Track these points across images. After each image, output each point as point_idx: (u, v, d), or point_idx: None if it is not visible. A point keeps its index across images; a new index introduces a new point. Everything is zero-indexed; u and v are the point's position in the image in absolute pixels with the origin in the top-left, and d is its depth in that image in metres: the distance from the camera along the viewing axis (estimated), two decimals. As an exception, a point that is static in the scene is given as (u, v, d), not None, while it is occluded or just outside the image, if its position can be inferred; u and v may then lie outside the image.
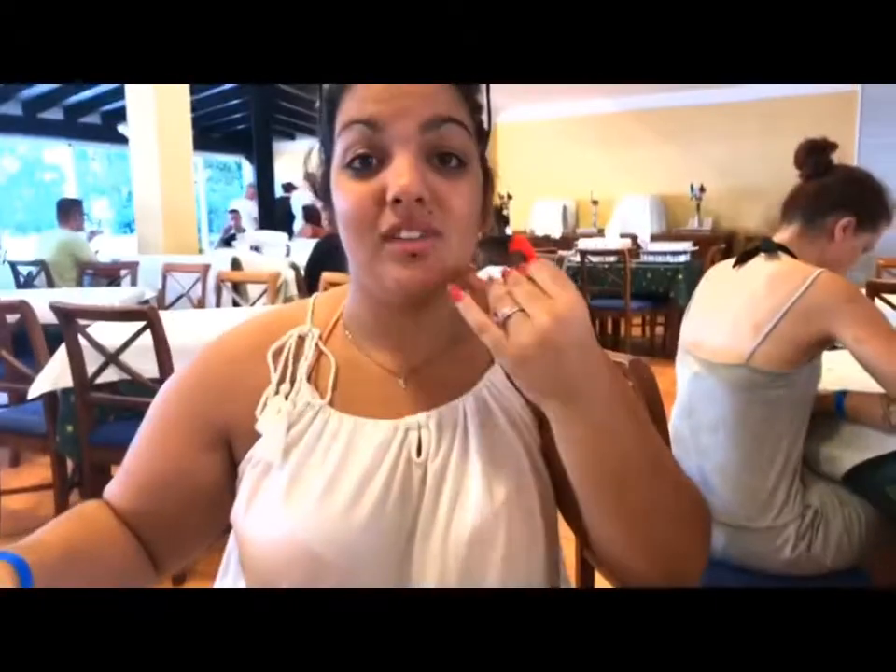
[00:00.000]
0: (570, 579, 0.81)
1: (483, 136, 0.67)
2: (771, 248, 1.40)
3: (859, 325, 1.24)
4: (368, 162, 0.61)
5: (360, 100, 0.61)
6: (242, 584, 0.73)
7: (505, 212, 4.65)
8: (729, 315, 1.39)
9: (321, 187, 0.68)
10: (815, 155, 1.43)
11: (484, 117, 0.67)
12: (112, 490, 0.72)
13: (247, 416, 0.69)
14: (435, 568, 0.65)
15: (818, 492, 1.39)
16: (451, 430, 0.68)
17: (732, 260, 1.50)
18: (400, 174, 0.59)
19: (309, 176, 0.70)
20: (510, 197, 7.56)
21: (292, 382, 0.70)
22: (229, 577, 0.76)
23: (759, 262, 1.41)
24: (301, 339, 0.72)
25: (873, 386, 1.31)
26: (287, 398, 0.69)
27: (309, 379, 0.70)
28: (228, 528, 0.72)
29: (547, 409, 0.58)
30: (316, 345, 0.72)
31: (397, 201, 0.59)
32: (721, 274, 1.51)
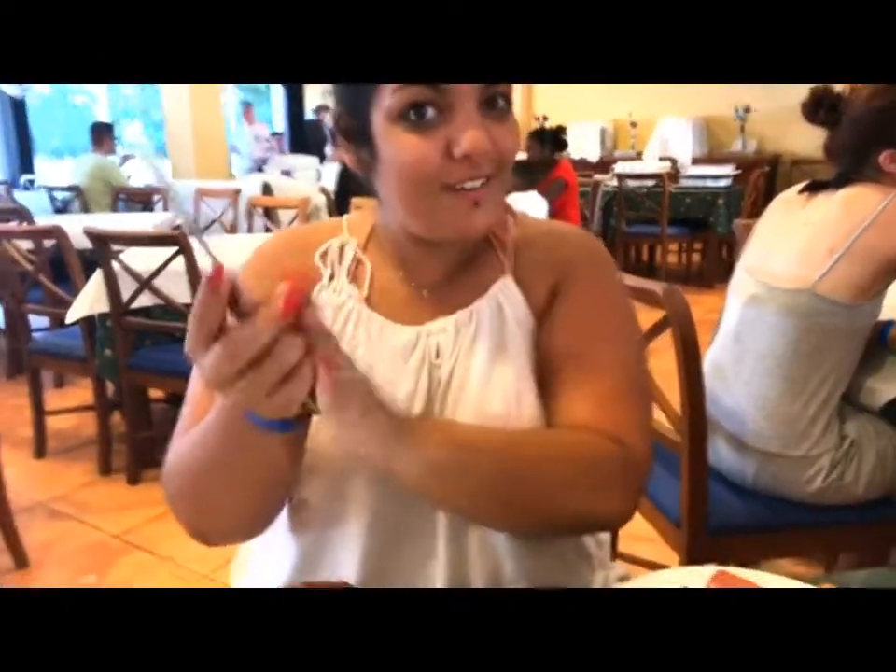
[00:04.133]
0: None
1: None
2: (844, 183, 1.35)
3: None
4: (424, 114, 0.62)
5: None
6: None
7: (563, 136, 4.47)
8: (799, 240, 1.36)
9: (354, 130, 0.68)
10: (824, 108, 1.37)
11: None
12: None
13: None
14: None
15: (854, 423, 1.37)
16: (466, 331, 0.73)
17: (799, 187, 1.45)
18: (468, 129, 0.61)
19: (336, 117, 0.71)
20: (545, 118, 7.33)
21: (334, 280, 0.76)
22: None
23: (831, 191, 1.37)
24: (341, 249, 0.78)
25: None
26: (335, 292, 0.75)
27: (349, 279, 0.76)
28: None
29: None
30: (355, 253, 0.77)
31: (467, 156, 0.62)
32: (791, 201, 1.46)
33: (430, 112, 0.62)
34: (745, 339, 1.42)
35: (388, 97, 0.62)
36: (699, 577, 0.61)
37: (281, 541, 0.75)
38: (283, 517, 0.74)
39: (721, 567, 0.61)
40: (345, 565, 0.70)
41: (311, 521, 0.72)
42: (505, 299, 0.74)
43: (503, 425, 0.68)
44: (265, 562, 0.78)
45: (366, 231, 0.79)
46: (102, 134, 4.86)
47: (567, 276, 0.74)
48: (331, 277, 0.76)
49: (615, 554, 1.64)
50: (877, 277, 1.28)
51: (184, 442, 0.65)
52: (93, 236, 2.13)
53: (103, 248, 2.16)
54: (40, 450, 2.72)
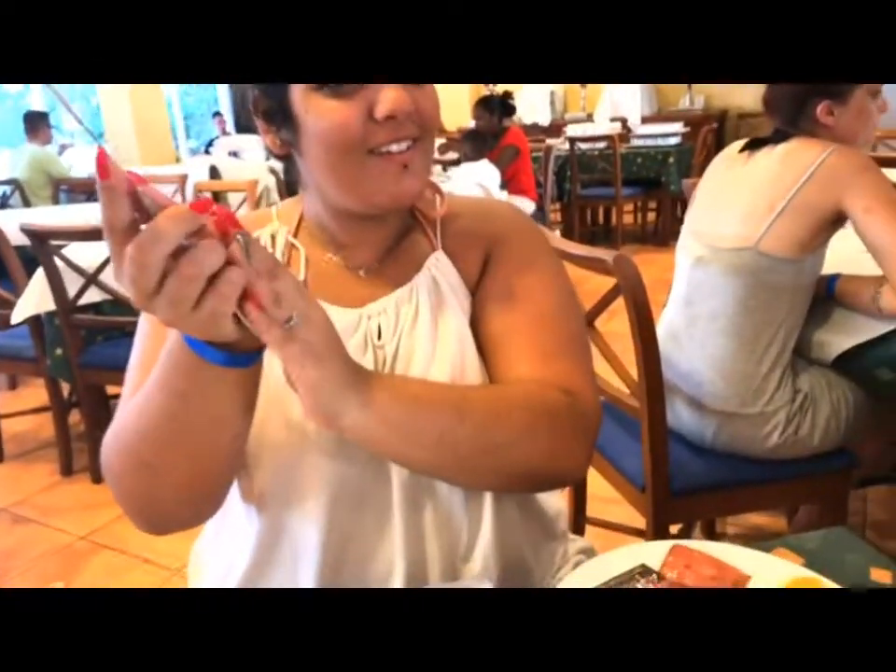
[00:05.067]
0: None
1: None
2: (782, 138, 1.36)
3: (871, 194, 1.23)
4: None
5: None
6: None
7: (511, 101, 4.47)
8: (741, 199, 1.37)
9: (273, 110, 0.68)
10: None
11: None
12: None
13: None
14: None
15: (807, 376, 1.40)
16: (406, 311, 0.73)
17: (738, 146, 1.46)
18: (389, 90, 0.62)
19: (253, 101, 0.70)
20: (494, 83, 7.26)
21: None
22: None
23: (770, 148, 1.38)
24: (273, 237, 0.76)
25: (865, 270, 1.31)
26: None
27: None
28: None
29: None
30: (287, 240, 0.76)
31: (390, 118, 0.62)
32: (731, 159, 1.47)
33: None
34: (695, 301, 1.43)
35: None
36: (656, 552, 0.62)
37: (238, 528, 0.74)
38: (237, 505, 0.73)
39: (678, 542, 0.62)
40: (306, 545, 0.70)
41: (268, 505, 0.71)
42: (439, 272, 0.75)
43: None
44: (224, 550, 0.77)
45: (295, 218, 0.78)
46: (37, 124, 4.69)
47: (497, 244, 0.76)
48: None
49: (584, 518, 1.66)
50: (817, 231, 1.30)
51: (127, 408, 0.62)
52: (31, 233, 2.05)
53: (42, 245, 2.08)
54: (-3, 454, 2.66)
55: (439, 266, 0.75)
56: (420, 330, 0.72)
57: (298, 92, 0.64)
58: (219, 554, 0.78)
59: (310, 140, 0.65)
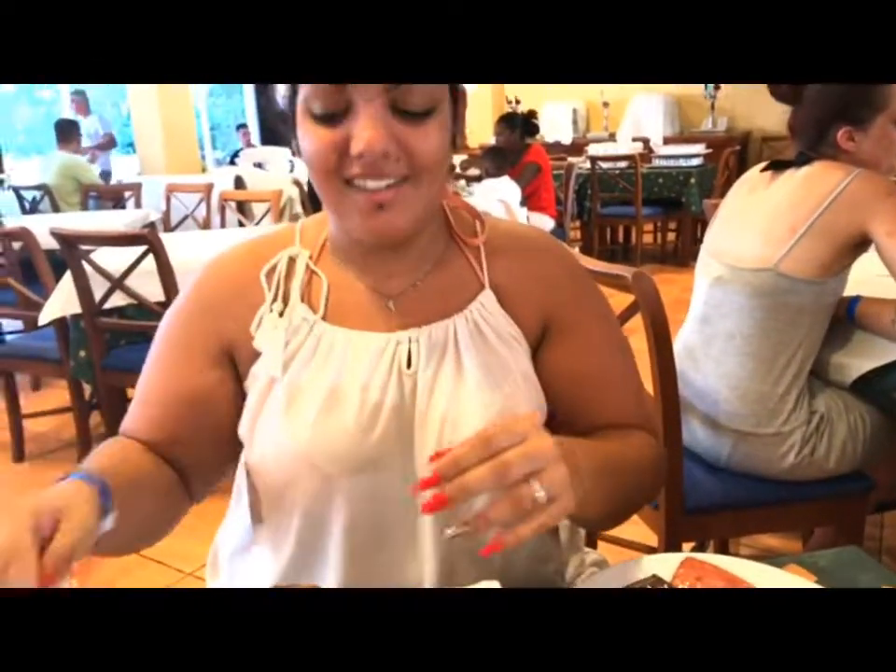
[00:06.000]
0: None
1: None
2: (805, 161, 1.37)
3: (893, 219, 1.23)
4: (331, 111, 0.62)
5: None
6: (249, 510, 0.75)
7: (535, 120, 4.51)
8: (762, 220, 1.37)
9: (290, 120, 0.68)
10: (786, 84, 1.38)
11: None
12: (130, 426, 0.73)
13: (246, 335, 0.71)
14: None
15: (824, 398, 1.39)
16: (441, 346, 0.71)
17: (761, 167, 1.47)
18: (365, 128, 0.60)
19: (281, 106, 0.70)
20: (517, 101, 7.30)
21: (285, 300, 0.72)
22: (242, 504, 0.78)
23: (793, 171, 1.39)
24: (292, 260, 0.74)
25: (887, 294, 1.31)
26: (281, 315, 0.71)
27: (302, 298, 0.72)
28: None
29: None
30: (307, 265, 0.74)
31: (361, 155, 0.61)
32: (753, 181, 1.48)
33: (333, 108, 0.62)
34: (712, 320, 1.43)
35: (302, 91, 0.63)
36: (668, 564, 0.63)
37: (260, 556, 0.76)
38: (259, 534, 0.75)
39: (689, 555, 0.63)
40: (328, 574, 0.71)
41: (290, 540, 0.72)
42: (484, 318, 0.73)
43: None
44: (245, 572, 0.78)
45: (320, 240, 0.76)
46: (67, 132, 4.78)
47: (555, 294, 0.75)
48: (274, 299, 0.72)
49: (596, 535, 1.66)
50: (839, 255, 1.30)
51: None
52: (60, 237, 2.10)
53: (71, 249, 2.13)
54: (19, 454, 2.69)
55: (484, 311, 0.73)
56: (467, 375, 0.70)
57: (298, 113, 0.65)
58: (243, 575, 0.79)
59: (304, 161, 0.66)
